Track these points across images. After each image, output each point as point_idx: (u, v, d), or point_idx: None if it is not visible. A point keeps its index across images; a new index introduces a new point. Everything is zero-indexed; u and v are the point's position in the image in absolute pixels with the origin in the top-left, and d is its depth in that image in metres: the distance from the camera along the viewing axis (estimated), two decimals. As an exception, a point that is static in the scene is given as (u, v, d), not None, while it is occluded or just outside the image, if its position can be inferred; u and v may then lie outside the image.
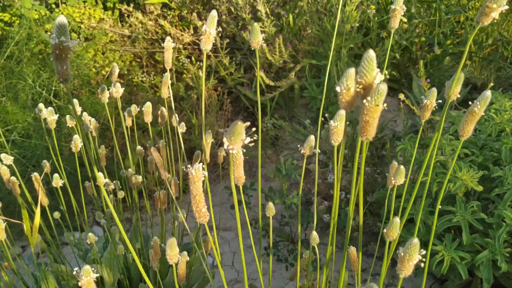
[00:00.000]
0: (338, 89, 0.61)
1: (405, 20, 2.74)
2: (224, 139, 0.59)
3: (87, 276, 0.67)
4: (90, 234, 1.06)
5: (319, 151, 2.47)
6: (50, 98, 2.12)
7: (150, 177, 2.38)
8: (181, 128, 1.33)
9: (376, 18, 2.75)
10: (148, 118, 1.34)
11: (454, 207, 1.56)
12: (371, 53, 0.56)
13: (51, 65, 2.28)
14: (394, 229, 0.78)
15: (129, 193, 1.52)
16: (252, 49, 0.85)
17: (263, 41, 0.88)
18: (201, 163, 0.64)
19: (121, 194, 1.31)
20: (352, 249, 0.94)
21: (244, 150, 0.70)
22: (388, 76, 2.71)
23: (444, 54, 2.89)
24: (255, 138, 0.63)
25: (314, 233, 0.95)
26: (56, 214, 1.26)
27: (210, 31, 0.81)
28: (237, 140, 0.59)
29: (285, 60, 2.66)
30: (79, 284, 0.65)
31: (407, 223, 1.79)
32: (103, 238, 1.55)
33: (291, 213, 2.37)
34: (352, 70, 0.59)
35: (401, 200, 0.95)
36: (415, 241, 0.59)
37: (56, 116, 1.25)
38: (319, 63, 2.61)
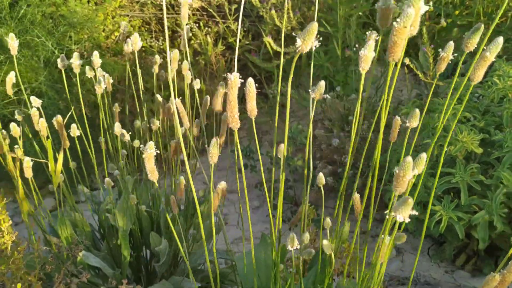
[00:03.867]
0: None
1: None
2: (298, 39, 0.65)
3: (151, 149, 0.77)
4: (106, 179, 1.12)
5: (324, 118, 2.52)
6: (63, 57, 2.16)
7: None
8: (196, 85, 1.38)
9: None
10: (156, 68, 1.39)
11: (454, 169, 1.61)
12: None
13: (64, 26, 2.32)
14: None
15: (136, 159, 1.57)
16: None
17: (272, 7, 0.93)
18: (237, 72, 0.71)
19: (136, 143, 1.36)
20: (356, 195, 1.00)
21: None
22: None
23: (452, 25, 2.88)
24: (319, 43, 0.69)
25: (321, 174, 1.01)
26: (73, 164, 1.32)
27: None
28: (310, 40, 0.66)
29: (293, 26, 2.68)
30: (143, 156, 0.76)
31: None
32: (116, 192, 1.61)
33: (295, 177, 2.43)
34: None
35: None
36: (409, 159, 0.66)
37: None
38: (327, 31, 2.62)
